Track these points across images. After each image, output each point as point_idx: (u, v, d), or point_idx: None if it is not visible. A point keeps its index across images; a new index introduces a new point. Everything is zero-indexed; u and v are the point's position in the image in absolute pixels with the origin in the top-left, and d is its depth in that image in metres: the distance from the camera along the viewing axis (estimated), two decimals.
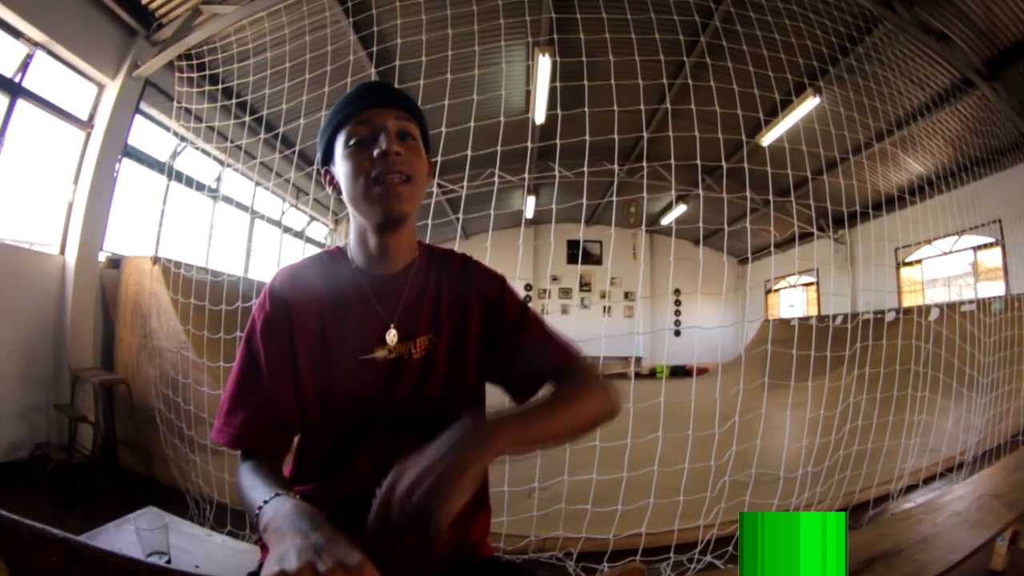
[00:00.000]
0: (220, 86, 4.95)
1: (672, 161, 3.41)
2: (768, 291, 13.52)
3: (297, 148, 4.02)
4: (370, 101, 0.94)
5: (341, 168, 0.94)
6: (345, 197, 0.95)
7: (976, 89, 5.36)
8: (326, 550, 0.59)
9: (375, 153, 0.90)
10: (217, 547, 1.37)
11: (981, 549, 1.40)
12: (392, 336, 0.96)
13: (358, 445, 0.95)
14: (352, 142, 0.93)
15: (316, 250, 1.09)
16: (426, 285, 1.01)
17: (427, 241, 1.08)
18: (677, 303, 14.08)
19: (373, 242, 0.97)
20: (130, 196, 4.97)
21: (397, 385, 0.95)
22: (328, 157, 0.99)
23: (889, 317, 6.21)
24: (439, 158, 1.89)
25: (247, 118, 4.47)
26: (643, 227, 12.43)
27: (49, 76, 4.08)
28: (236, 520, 2.91)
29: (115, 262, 4.48)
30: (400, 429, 0.94)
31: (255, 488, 0.80)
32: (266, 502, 0.73)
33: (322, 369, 0.94)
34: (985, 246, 7.56)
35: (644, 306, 14.09)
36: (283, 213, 8.03)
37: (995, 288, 7.19)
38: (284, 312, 0.94)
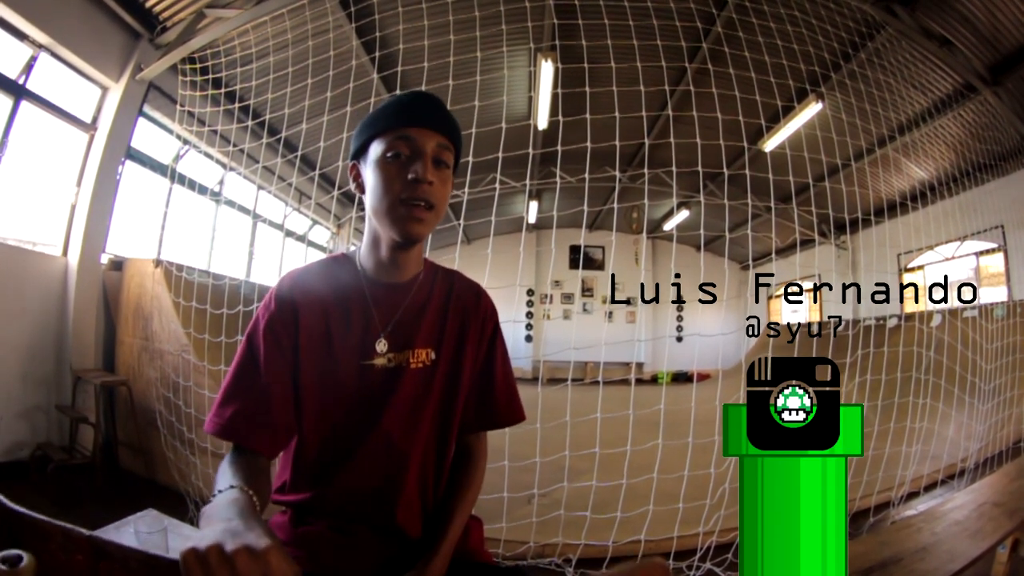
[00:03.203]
0: (223, 90, 4.96)
1: (674, 167, 3.42)
2: (770, 297, 13.48)
3: (299, 152, 4.04)
4: (418, 118, 0.95)
5: (371, 175, 0.96)
6: (368, 204, 0.97)
7: (978, 94, 5.36)
8: (239, 534, 0.61)
9: (409, 176, 0.92)
10: None
11: (981, 558, 1.39)
12: (382, 345, 0.98)
13: (355, 445, 0.96)
14: (390, 155, 0.94)
15: (318, 254, 1.10)
16: (429, 299, 1.03)
17: (428, 244, 1.11)
18: (679, 308, 14.03)
19: (384, 252, 0.99)
20: (133, 199, 4.98)
21: (394, 392, 0.97)
22: (360, 154, 1.00)
23: (891, 323, 6.19)
24: None
25: (250, 122, 4.49)
26: (644, 233, 12.42)
27: (53, 78, 4.10)
28: None
29: (117, 264, 4.49)
30: (396, 431, 0.97)
31: (220, 481, 0.80)
32: (220, 491, 0.75)
33: (325, 371, 0.96)
34: (987, 251, 7.55)
35: (646, 312, 14.05)
36: (285, 217, 8.04)
37: (997, 294, 7.18)
38: (290, 313, 0.96)
